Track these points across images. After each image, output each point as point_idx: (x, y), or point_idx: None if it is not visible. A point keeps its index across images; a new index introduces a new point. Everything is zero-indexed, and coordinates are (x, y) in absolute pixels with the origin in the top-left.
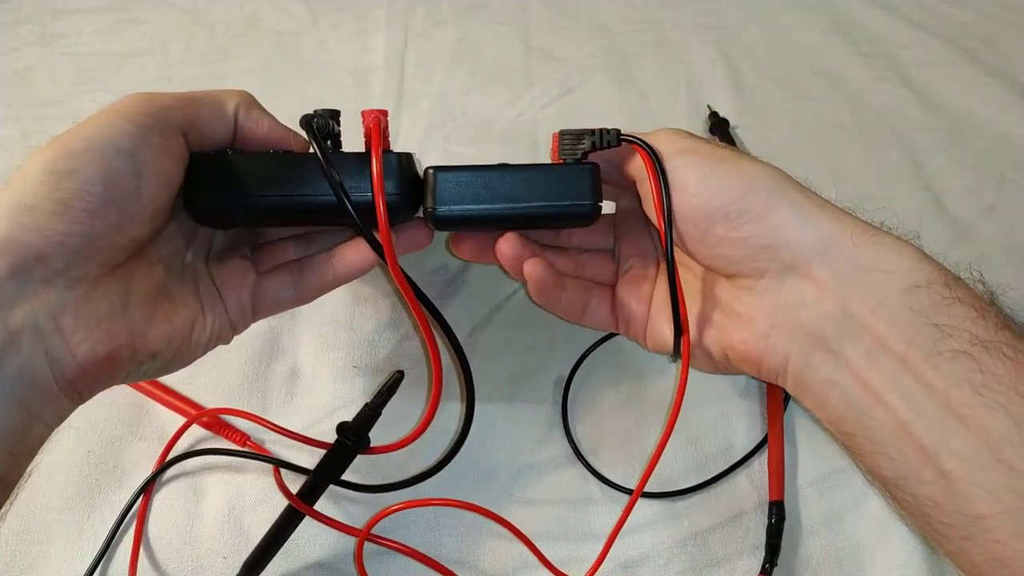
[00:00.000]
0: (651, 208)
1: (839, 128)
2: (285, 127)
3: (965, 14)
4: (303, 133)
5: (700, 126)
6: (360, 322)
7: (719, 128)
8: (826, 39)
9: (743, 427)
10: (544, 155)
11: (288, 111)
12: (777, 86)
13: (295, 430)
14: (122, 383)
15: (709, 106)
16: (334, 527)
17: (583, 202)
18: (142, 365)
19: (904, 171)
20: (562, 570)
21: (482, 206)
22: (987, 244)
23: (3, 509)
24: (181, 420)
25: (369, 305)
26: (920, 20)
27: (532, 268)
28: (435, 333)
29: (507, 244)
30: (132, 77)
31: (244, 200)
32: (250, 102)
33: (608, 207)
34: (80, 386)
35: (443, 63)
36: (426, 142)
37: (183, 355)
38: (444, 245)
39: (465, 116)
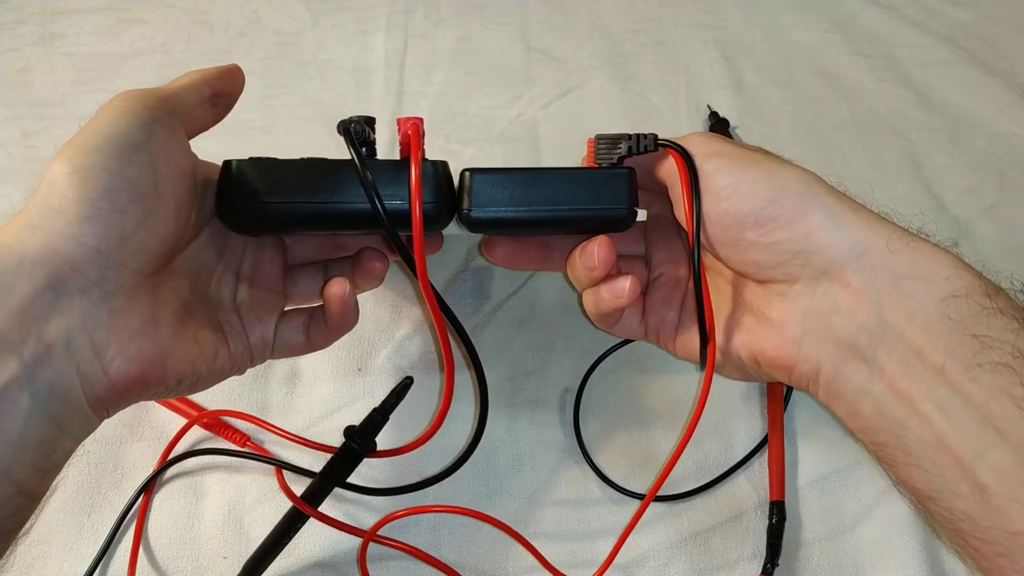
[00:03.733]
0: (682, 213)
1: (839, 128)
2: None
3: (965, 14)
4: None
5: (700, 126)
6: (361, 323)
7: (719, 128)
8: (826, 39)
9: (743, 427)
10: (544, 154)
11: (288, 111)
12: (777, 86)
13: (295, 430)
14: (147, 400)
15: (709, 106)
16: (339, 528)
17: (619, 206)
18: (168, 388)
19: (904, 171)
20: (565, 572)
21: (518, 209)
22: (987, 244)
23: (29, 523)
24: (180, 420)
25: (370, 306)
26: (920, 20)
27: (635, 285)
28: (450, 341)
29: (605, 249)
30: (132, 77)
31: (276, 205)
32: (209, 72)
33: (640, 214)
34: (108, 403)
35: (443, 63)
36: (426, 142)
37: (204, 379)
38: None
39: (465, 116)
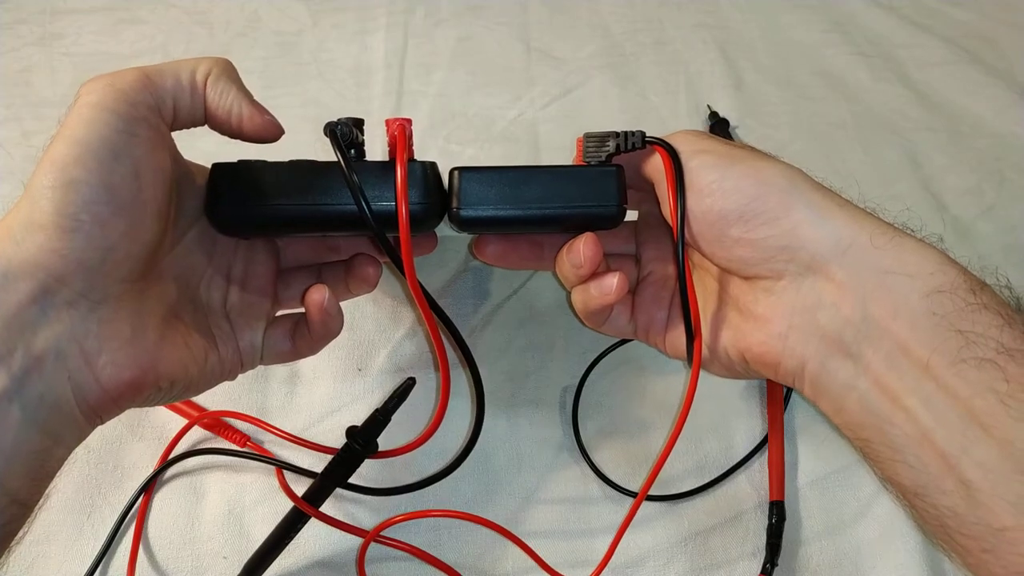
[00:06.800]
0: (668, 210)
1: (839, 128)
2: (258, 106)
3: (965, 14)
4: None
5: (700, 126)
6: (360, 323)
7: (719, 128)
8: (826, 39)
9: (743, 427)
10: (543, 155)
11: (288, 111)
12: (777, 86)
13: (295, 431)
14: (141, 407)
15: (709, 106)
16: (340, 528)
17: (608, 204)
18: (161, 391)
19: (904, 171)
20: (563, 573)
21: (507, 208)
22: (987, 244)
23: (22, 531)
24: (181, 420)
25: (370, 306)
26: (920, 20)
27: (622, 281)
28: (443, 340)
29: (590, 246)
30: None
31: (264, 208)
32: (222, 71)
33: (630, 214)
34: (102, 410)
35: (443, 63)
36: (426, 142)
37: (196, 384)
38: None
39: (465, 116)
